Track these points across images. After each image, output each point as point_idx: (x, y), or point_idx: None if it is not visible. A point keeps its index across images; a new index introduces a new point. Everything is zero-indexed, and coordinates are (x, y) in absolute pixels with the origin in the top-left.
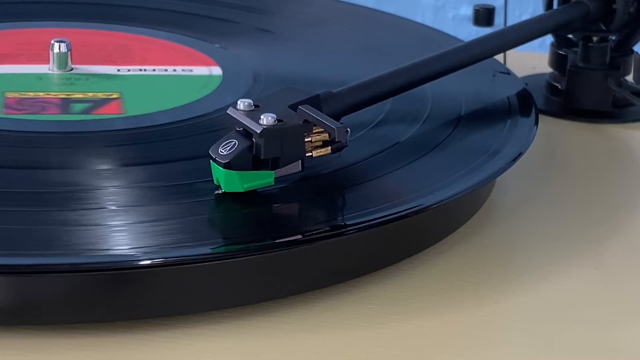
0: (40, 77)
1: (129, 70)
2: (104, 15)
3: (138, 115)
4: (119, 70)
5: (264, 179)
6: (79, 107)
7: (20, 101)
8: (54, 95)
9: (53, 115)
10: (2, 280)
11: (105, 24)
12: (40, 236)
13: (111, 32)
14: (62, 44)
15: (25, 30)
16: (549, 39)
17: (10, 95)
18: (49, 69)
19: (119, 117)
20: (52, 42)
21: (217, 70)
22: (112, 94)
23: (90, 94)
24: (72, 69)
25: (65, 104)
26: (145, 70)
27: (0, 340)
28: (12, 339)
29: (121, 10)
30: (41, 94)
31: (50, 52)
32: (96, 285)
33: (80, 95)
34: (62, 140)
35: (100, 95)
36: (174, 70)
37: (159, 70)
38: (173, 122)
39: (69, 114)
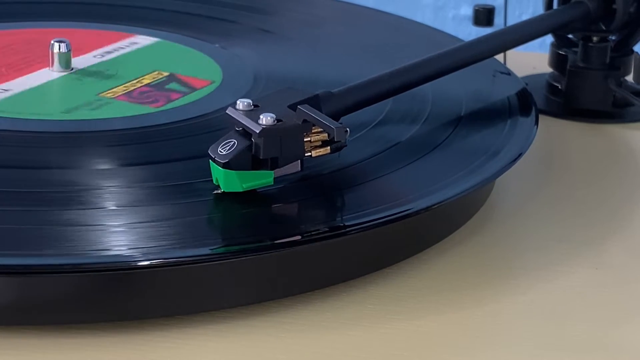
0: (78, 78)
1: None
2: (103, 15)
3: (138, 115)
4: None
5: (263, 178)
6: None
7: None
8: (132, 84)
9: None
10: (2, 280)
11: (105, 24)
12: (40, 236)
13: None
14: (62, 44)
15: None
16: (549, 39)
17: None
18: (51, 70)
19: (119, 117)
20: (52, 42)
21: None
22: (162, 73)
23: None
24: (73, 69)
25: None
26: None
27: (0, 340)
28: (12, 339)
29: (121, 10)
30: (122, 87)
31: (50, 53)
32: (96, 285)
33: (147, 81)
34: (62, 140)
35: (147, 78)
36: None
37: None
38: (173, 122)
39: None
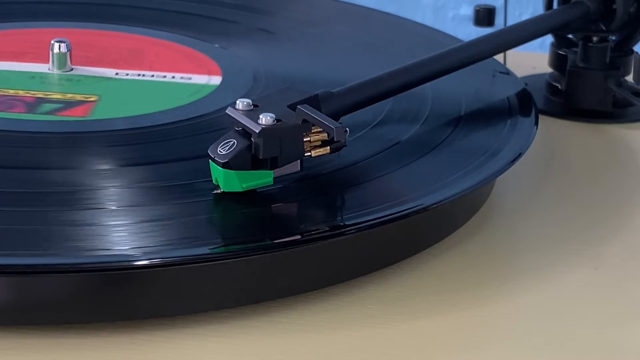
0: (33, 75)
1: (127, 74)
2: (103, 15)
3: (138, 116)
4: (117, 73)
5: (262, 178)
6: (47, 107)
7: None
8: (31, 94)
9: (18, 114)
10: (2, 280)
11: (105, 24)
12: (40, 236)
13: (123, 34)
14: (62, 44)
15: (42, 30)
16: (549, 39)
17: None
18: (49, 69)
19: (119, 117)
20: (52, 42)
21: (216, 80)
22: (90, 97)
23: (69, 96)
24: (71, 69)
25: (36, 103)
26: (143, 75)
27: (0, 340)
28: (12, 339)
29: (121, 10)
30: (13, 91)
31: (50, 52)
32: (96, 285)
33: (57, 96)
34: (62, 140)
35: (78, 97)
36: (173, 77)
37: (157, 76)
38: (173, 122)
39: (35, 113)
